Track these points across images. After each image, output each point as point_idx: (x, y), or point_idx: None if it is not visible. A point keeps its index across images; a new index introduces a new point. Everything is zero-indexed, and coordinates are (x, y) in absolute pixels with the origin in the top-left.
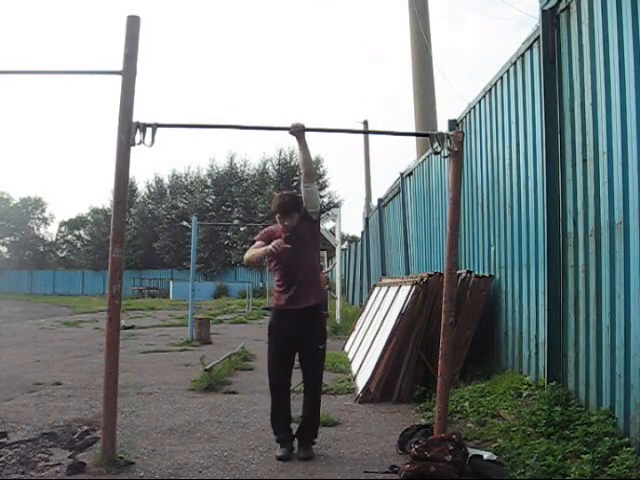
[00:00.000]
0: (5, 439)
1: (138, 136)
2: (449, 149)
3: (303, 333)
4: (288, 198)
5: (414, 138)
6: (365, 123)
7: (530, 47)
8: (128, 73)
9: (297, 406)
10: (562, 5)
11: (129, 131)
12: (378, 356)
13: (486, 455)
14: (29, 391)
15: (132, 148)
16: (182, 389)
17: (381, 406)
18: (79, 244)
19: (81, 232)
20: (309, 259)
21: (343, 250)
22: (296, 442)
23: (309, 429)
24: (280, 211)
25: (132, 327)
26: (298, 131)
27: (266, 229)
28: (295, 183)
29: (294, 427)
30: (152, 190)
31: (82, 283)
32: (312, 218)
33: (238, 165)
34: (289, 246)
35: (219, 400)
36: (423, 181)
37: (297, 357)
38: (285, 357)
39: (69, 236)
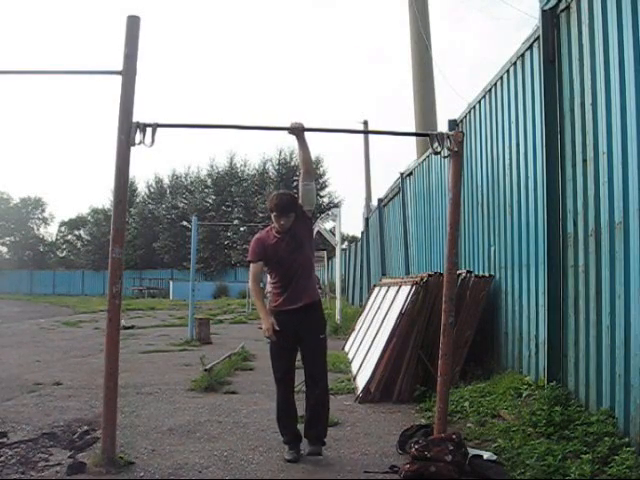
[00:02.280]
0: (5, 439)
1: (138, 136)
2: (449, 149)
3: (303, 326)
4: (286, 198)
5: (414, 138)
6: (365, 123)
7: (530, 47)
8: (128, 73)
9: (300, 406)
10: (562, 5)
11: (129, 131)
12: (378, 356)
13: (486, 455)
14: (29, 391)
15: (132, 148)
16: (182, 389)
17: (381, 406)
18: (79, 244)
19: (81, 232)
20: (305, 258)
21: (343, 250)
22: (303, 443)
23: (318, 426)
24: (277, 210)
25: (132, 327)
26: (297, 131)
27: (258, 239)
28: (295, 183)
29: (299, 428)
30: (152, 190)
31: (82, 283)
32: (307, 215)
33: (238, 165)
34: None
35: (219, 400)
36: (423, 181)
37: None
38: (287, 351)
39: (69, 236)
